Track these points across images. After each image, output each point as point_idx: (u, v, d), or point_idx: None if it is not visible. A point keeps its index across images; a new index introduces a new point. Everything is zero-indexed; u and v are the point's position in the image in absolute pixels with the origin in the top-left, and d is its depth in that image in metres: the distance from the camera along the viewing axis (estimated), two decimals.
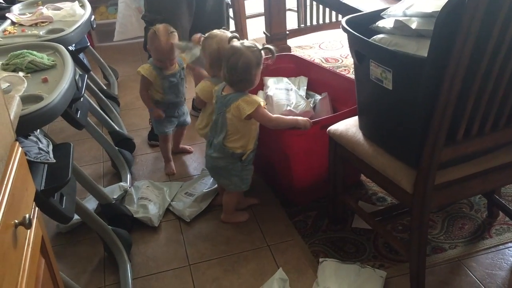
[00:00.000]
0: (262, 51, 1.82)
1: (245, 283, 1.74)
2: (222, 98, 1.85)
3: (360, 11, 1.91)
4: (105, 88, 3.12)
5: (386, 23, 1.48)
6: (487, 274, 1.69)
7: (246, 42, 1.84)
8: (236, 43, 1.84)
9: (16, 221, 0.93)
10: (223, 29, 2.12)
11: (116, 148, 2.42)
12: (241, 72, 1.78)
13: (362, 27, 1.54)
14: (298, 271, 1.77)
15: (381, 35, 1.48)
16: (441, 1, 1.31)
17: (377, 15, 1.57)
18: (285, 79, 2.40)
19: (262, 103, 1.82)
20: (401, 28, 1.40)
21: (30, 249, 1.01)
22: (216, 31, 2.03)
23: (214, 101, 1.91)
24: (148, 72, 2.23)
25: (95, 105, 2.55)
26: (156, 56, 2.22)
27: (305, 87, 2.41)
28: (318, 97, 2.34)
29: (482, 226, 1.89)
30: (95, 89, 2.80)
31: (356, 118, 1.74)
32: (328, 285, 1.66)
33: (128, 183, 2.27)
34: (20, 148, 1.06)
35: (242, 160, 1.89)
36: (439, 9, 1.23)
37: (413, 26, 1.35)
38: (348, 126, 1.74)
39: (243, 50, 1.78)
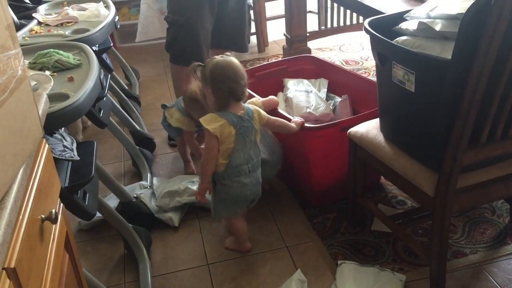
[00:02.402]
0: None
1: (263, 283, 1.75)
2: (243, 117, 1.72)
3: (382, 13, 1.90)
4: (127, 88, 3.16)
5: (409, 25, 1.47)
6: (509, 280, 1.66)
7: (216, 56, 1.78)
8: (213, 61, 1.74)
9: (43, 215, 0.96)
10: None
11: (137, 147, 2.45)
12: (244, 74, 1.72)
13: (384, 29, 1.54)
14: (316, 273, 1.77)
15: (404, 37, 1.47)
16: (466, 2, 1.30)
17: (399, 17, 1.56)
18: (305, 81, 2.41)
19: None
20: (424, 30, 1.39)
21: (55, 244, 1.03)
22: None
23: (236, 128, 1.70)
24: (186, 124, 2.28)
25: (117, 104, 2.59)
26: (197, 117, 2.25)
27: (326, 89, 2.41)
28: (338, 99, 2.34)
29: (504, 232, 1.87)
30: (117, 89, 2.83)
31: (376, 120, 1.73)
32: (346, 287, 1.66)
33: (149, 182, 2.30)
34: (47, 145, 1.09)
35: None
36: (464, 11, 1.22)
37: (437, 28, 1.35)
38: (369, 128, 1.73)
39: (228, 58, 1.73)
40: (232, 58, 1.75)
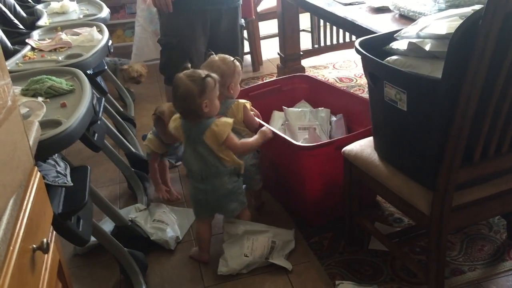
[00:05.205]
0: (207, 79, 1.75)
1: None
2: (194, 128, 1.80)
3: (374, 33, 1.92)
4: (122, 110, 3.16)
5: (399, 44, 1.48)
6: None
7: (190, 71, 1.80)
8: (180, 74, 1.79)
9: (34, 245, 0.95)
10: (235, 58, 2.12)
11: (132, 169, 2.44)
12: (182, 103, 1.76)
13: (375, 48, 1.55)
14: None
15: (395, 57, 1.48)
16: (454, 22, 1.32)
17: (390, 36, 1.58)
18: (308, 113, 2.32)
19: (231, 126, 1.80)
20: (415, 50, 1.41)
21: (47, 274, 1.02)
22: (214, 56, 2.01)
23: (185, 135, 1.83)
24: (155, 145, 2.28)
25: (111, 127, 2.59)
26: (162, 137, 2.26)
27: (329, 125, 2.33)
28: (333, 118, 2.34)
29: (501, 248, 1.86)
30: (112, 111, 2.83)
31: (371, 138, 1.74)
32: None
33: (144, 205, 2.28)
34: (38, 173, 1.08)
35: (239, 175, 1.89)
36: (453, 31, 1.24)
37: (427, 48, 1.36)
38: (363, 146, 1.73)
39: (182, 80, 1.75)
40: (183, 81, 1.74)
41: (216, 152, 1.80)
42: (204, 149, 1.80)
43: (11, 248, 0.85)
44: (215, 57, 2.00)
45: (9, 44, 2.28)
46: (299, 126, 2.29)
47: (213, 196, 1.86)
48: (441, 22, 1.39)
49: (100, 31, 2.38)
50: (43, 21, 2.66)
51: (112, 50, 2.37)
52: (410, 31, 1.48)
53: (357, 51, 1.56)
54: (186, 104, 1.75)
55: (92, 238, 1.76)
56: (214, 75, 1.80)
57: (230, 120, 1.81)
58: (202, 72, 1.79)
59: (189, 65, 1.90)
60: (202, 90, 1.74)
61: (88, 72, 2.10)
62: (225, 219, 1.98)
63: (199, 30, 2.52)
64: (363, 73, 3.52)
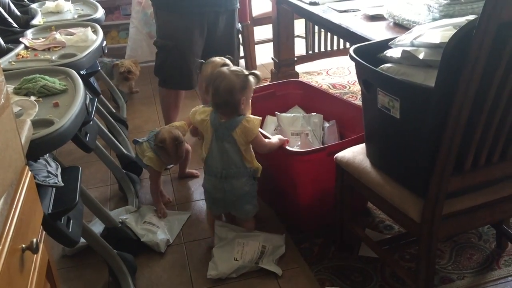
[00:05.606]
0: (250, 77, 1.83)
1: None
2: (224, 124, 1.84)
3: (368, 40, 1.93)
4: (114, 111, 3.15)
5: (393, 52, 1.49)
6: None
7: (234, 68, 1.88)
8: (224, 68, 1.87)
9: (24, 245, 0.94)
10: (226, 57, 2.14)
11: (124, 171, 2.43)
12: (223, 95, 1.80)
13: (369, 55, 1.56)
14: None
15: (388, 64, 1.49)
16: (448, 32, 1.33)
17: (385, 44, 1.59)
18: (301, 118, 2.33)
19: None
20: (408, 58, 1.42)
21: (36, 274, 1.01)
22: (215, 58, 2.08)
23: (213, 130, 1.86)
24: (156, 164, 2.24)
25: (103, 128, 2.57)
26: (165, 161, 2.26)
27: (322, 131, 2.34)
28: (326, 124, 2.35)
29: (490, 257, 1.87)
30: (105, 112, 2.82)
31: (363, 145, 1.74)
32: None
33: (135, 206, 2.27)
34: (29, 173, 1.07)
35: (255, 178, 1.93)
36: (447, 40, 1.25)
37: (421, 56, 1.37)
38: (355, 153, 1.74)
39: (227, 74, 1.82)
40: (228, 75, 1.81)
41: (242, 151, 1.84)
42: (231, 146, 1.84)
43: (0, 247, 0.84)
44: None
45: (2, 42, 2.27)
46: (292, 131, 2.29)
47: (230, 196, 1.90)
48: (435, 31, 1.40)
49: (95, 31, 2.37)
50: (37, 20, 2.64)
51: (106, 51, 2.36)
52: (404, 39, 1.49)
53: (351, 58, 1.57)
54: (228, 97, 1.79)
55: (82, 240, 1.75)
56: (258, 72, 1.88)
57: (258, 118, 1.87)
58: (245, 70, 1.87)
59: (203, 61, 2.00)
60: (244, 86, 1.81)
61: (82, 72, 2.09)
62: (217, 224, 1.98)
63: (196, 33, 2.52)
64: (356, 80, 3.54)
